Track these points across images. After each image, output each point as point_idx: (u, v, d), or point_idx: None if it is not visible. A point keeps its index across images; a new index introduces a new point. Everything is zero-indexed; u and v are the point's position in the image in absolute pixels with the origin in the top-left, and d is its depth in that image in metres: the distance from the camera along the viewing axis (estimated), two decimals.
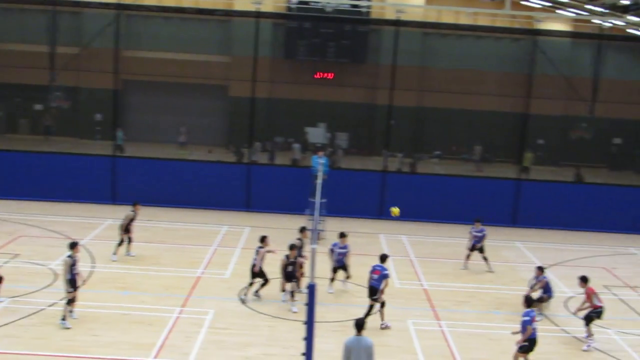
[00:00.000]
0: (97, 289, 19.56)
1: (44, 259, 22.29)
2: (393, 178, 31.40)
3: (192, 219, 28.80)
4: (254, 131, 32.12)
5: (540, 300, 19.80)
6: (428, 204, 30.64)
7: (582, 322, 18.11)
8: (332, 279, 21.04)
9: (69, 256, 17.16)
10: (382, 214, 30.42)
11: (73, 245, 17.40)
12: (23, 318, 17.55)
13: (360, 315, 18.85)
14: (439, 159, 42.89)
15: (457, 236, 28.67)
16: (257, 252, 19.81)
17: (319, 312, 15.85)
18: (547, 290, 19.88)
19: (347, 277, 21.07)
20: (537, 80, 32.52)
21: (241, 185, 30.74)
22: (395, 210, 21.88)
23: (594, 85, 38.80)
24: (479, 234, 23.73)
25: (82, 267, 21.42)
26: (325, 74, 43.76)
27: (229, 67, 43.05)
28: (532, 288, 20.20)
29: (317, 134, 43.80)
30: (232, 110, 43.09)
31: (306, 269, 19.70)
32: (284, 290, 19.68)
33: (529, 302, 16.01)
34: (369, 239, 27.15)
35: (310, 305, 13.80)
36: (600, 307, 17.85)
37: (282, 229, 26.99)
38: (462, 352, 17.05)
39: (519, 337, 15.77)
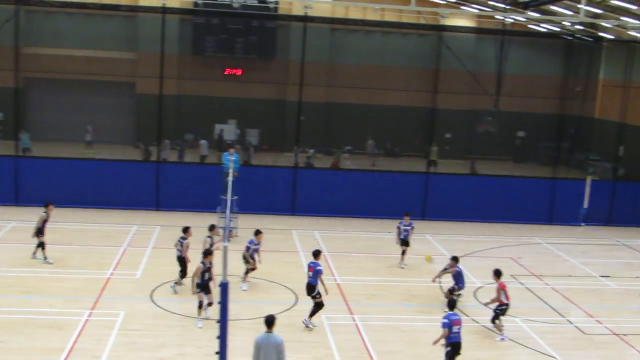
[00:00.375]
0: (1, 293, 18.89)
1: None
2: (304, 174, 31.51)
3: (101, 220, 28.16)
4: (162, 129, 31.63)
5: (452, 291, 20.24)
6: (340, 199, 30.88)
7: (491, 313, 18.61)
8: (248, 272, 21.00)
9: None
10: (294, 211, 30.51)
11: None
12: None
13: (273, 312, 18.90)
14: (350, 154, 43.29)
15: (368, 230, 29.04)
16: (181, 244, 20.03)
17: (232, 310, 15.74)
18: (459, 281, 20.30)
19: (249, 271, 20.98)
20: (444, 75, 33.18)
21: (150, 184, 30.24)
22: (428, 258, 23.28)
23: (498, 80, 39.93)
24: (408, 228, 23.90)
25: None
26: (234, 70, 43.56)
27: (135, 63, 42.29)
28: (440, 274, 20.74)
29: (226, 130, 43.52)
30: (139, 108, 42.35)
31: (218, 267, 19.44)
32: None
33: (451, 305, 15.47)
34: (282, 236, 27.17)
35: (223, 303, 13.71)
36: (507, 304, 18.10)
37: (193, 227, 26.71)
38: (375, 345, 17.27)
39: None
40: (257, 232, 21.10)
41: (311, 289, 18.31)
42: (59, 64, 40.94)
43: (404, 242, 23.99)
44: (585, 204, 32.26)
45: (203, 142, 39.09)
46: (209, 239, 20.29)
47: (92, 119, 41.88)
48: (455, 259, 20.65)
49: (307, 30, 31.07)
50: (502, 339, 18.01)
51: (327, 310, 19.40)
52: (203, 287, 18.00)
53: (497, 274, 18.49)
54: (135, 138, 42.76)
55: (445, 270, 20.62)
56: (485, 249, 27.32)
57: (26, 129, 37.41)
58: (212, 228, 21.15)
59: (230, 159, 25.52)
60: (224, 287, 13.62)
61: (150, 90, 36.77)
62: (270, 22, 42.41)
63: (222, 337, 13.67)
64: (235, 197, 25.13)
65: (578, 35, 35.55)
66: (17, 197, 29.44)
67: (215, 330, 14.02)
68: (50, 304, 18.85)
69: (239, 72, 43.51)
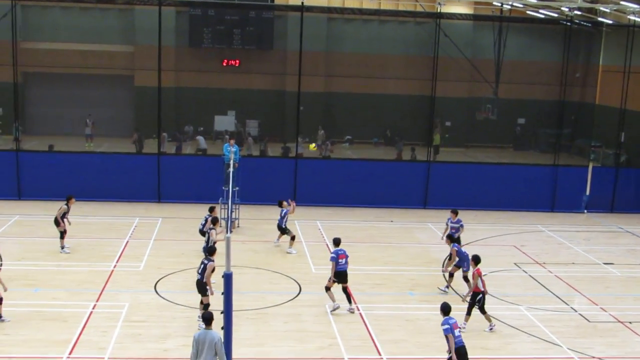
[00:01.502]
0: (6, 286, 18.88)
1: None
2: (305, 164, 31.50)
3: (103, 212, 28.18)
4: (161, 121, 31.59)
5: (451, 274, 20.30)
6: (341, 189, 30.91)
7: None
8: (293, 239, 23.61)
9: None
10: (296, 201, 30.48)
11: None
12: None
13: (277, 302, 18.97)
14: (350, 143, 43.25)
15: (370, 220, 29.06)
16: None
17: (236, 301, 15.79)
18: (462, 261, 19.90)
19: None
20: (442, 63, 33.08)
21: (151, 176, 30.26)
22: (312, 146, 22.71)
23: (497, 67, 39.83)
24: (456, 225, 22.63)
25: None
26: (232, 62, 43.44)
27: (133, 56, 42.18)
28: (447, 265, 20.72)
29: (226, 122, 43.43)
30: (138, 101, 42.28)
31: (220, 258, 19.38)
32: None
33: (445, 310, 14.61)
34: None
35: (227, 294, 13.77)
36: (482, 292, 17.51)
37: (196, 219, 26.75)
38: (379, 334, 17.31)
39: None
40: (281, 203, 24.03)
41: (346, 275, 18.69)
42: (57, 58, 40.83)
43: (453, 240, 21.51)
44: (588, 191, 32.27)
45: (200, 138, 38.90)
46: (213, 231, 20.26)
47: (91, 112, 41.79)
48: (455, 212, 21.77)
49: (304, 20, 31.01)
50: (490, 328, 17.71)
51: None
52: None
53: (475, 260, 17.91)
54: (134, 131, 42.67)
55: (450, 260, 20.56)
56: (487, 237, 27.34)
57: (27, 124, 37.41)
58: (212, 209, 21.29)
59: (231, 150, 25.53)
60: (228, 278, 13.67)
61: (148, 83, 36.66)
62: (267, 13, 42.25)
63: (227, 328, 13.74)
64: (237, 188, 25.17)
65: (577, 21, 35.42)
66: (19, 191, 29.48)
67: (219, 320, 14.06)
68: (54, 296, 18.90)
69: (237, 63, 43.39)
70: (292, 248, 23.83)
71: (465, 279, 19.90)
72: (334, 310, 18.47)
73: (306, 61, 31.85)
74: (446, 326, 14.29)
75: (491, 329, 17.77)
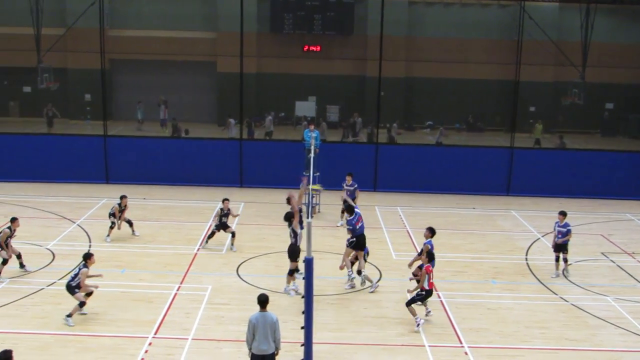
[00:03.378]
0: (95, 267, 19.47)
1: (41, 240, 22.32)
2: (386, 149, 31.37)
3: (186, 196, 28.77)
4: (243, 107, 31.96)
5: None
6: (422, 175, 30.69)
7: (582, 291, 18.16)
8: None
9: (85, 266, 16.88)
10: (376, 187, 30.48)
11: (88, 256, 17.05)
12: (23, 298, 17.62)
13: (357, 287, 18.99)
14: (431, 129, 42.83)
15: (451, 207, 28.77)
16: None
17: (317, 286, 15.89)
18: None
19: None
20: (526, 46, 32.35)
21: (234, 161, 30.69)
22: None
23: (584, 50, 38.64)
24: (563, 230, 21.00)
25: (79, 247, 21.57)
26: (313, 47, 43.52)
27: (215, 43, 42.73)
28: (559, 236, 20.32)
29: (306, 107, 43.59)
30: (221, 87, 42.86)
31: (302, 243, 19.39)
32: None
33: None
34: (365, 212, 26.85)
35: (308, 279, 13.84)
36: (428, 291, 16.72)
37: (277, 204, 27.05)
38: (460, 322, 17.13)
39: None
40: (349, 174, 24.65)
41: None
42: (142, 45, 41.75)
43: (560, 247, 20.60)
44: None
45: (268, 118, 39.11)
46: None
47: (174, 99, 42.61)
48: (563, 214, 20.59)
49: (385, 4, 30.80)
50: (419, 323, 16.62)
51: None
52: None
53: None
54: (217, 116, 43.32)
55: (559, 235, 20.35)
56: (573, 225, 26.51)
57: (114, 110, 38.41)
58: (225, 200, 22.31)
59: (312, 136, 25.59)
60: (309, 262, 13.73)
61: (230, 69, 37.14)
62: None
63: (308, 312, 13.80)
64: (317, 174, 25.26)
65: None
66: (107, 175, 30.37)
67: (300, 305, 14.15)
68: (140, 278, 19.41)
69: (317, 48, 43.46)
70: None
71: (360, 272, 19.20)
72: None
73: (387, 46, 31.65)
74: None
75: (419, 324, 16.65)
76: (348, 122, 40.29)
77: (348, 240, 19.21)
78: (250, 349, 13.11)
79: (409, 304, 16.80)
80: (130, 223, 23.00)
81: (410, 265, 18.75)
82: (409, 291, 17.43)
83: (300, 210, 18.38)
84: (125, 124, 39.77)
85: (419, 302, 16.90)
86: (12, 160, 30.36)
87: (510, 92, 33.15)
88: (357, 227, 19.06)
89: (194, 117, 42.20)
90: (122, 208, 22.70)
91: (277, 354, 13.21)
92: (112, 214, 22.65)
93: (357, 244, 19.05)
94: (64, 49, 39.67)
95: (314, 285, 13.81)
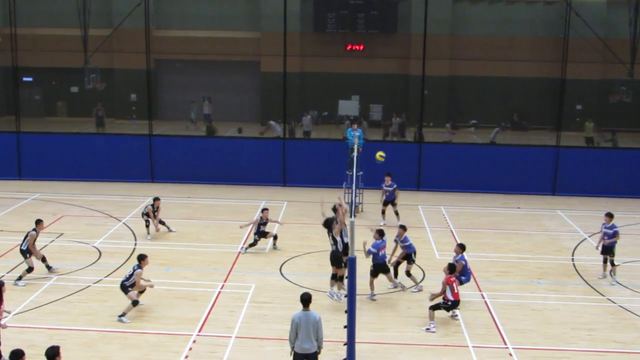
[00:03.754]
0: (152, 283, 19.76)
1: (88, 238, 22.69)
2: (429, 148, 31.20)
3: (230, 195, 28.98)
4: (286, 106, 32.06)
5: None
6: (466, 174, 30.44)
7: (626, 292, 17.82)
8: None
9: (139, 267, 17.12)
10: (419, 186, 30.34)
11: (142, 257, 17.30)
12: (70, 295, 17.93)
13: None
14: (475, 127, 42.46)
15: (496, 206, 28.49)
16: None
17: (360, 285, 15.88)
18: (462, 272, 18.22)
19: None
20: (573, 43, 31.87)
21: (277, 161, 30.80)
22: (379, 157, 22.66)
23: (633, 47, 37.90)
24: (609, 232, 20.29)
25: (125, 245, 21.88)
26: (356, 46, 43.48)
27: (259, 42, 42.95)
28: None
29: (349, 106, 43.54)
30: (264, 86, 43.06)
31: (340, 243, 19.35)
32: None
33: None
34: (408, 211, 26.98)
35: (352, 278, 13.84)
36: (453, 301, 16.57)
37: (319, 203, 27.10)
38: (505, 323, 16.95)
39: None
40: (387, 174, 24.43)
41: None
42: (186, 45, 42.17)
43: (607, 250, 20.14)
44: None
45: (306, 117, 39.10)
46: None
47: (216, 98, 42.93)
48: (610, 216, 20.03)
49: (429, 2, 30.61)
50: (428, 328, 16.48)
51: None
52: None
53: (450, 268, 16.81)
54: (260, 116, 43.52)
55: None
56: (621, 225, 26.07)
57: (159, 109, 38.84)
58: (264, 210, 22.28)
59: (355, 135, 25.55)
60: (352, 262, 13.74)
61: (274, 69, 37.28)
62: None
63: (351, 311, 13.81)
64: (361, 173, 25.23)
65: None
66: (152, 174, 30.73)
67: (343, 304, 14.14)
68: (185, 276, 19.60)
69: (360, 47, 43.41)
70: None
71: (408, 273, 18.99)
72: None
73: (430, 44, 31.45)
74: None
75: (428, 328, 16.52)
76: (389, 122, 40.10)
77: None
78: (292, 348, 13.16)
79: (433, 308, 16.65)
80: (162, 222, 23.26)
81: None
82: (432, 296, 16.93)
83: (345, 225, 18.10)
84: (170, 123, 40.19)
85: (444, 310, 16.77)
86: (60, 159, 30.89)
87: (556, 91, 32.69)
88: (381, 253, 18.31)
89: (237, 116, 42.47)
90: (155, 209, 22.93)
91: (319, 352, 13.23)
92: (145, 214, 22.94)
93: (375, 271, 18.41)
94: (111, 49, 40.30)
95: (357, 285, 13.81)
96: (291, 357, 13.26)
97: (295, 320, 13.09)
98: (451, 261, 17.60)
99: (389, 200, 25.03)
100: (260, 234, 22.04)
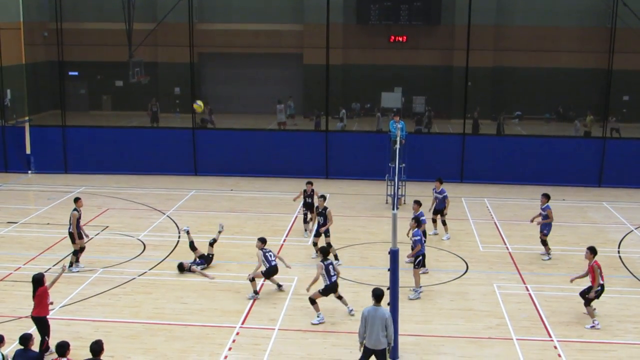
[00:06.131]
0: (183, 258, 19.96)
1: (132, 231, 22.93)
2: (473, 140, 30.92)
3: (272, 188, 29.06)
4: (329, 98, 32.04)
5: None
6: (510, 166, 30.10)
7: None
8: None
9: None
10: (462, 178, 30.09)
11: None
12: (115, 287, 18.14)
13: (443, 280, 18.81)
14: (520, 119, 42.00)
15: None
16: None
17: (403, 277, 15.82)
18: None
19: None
20: (620, 34, 31.28)
21: (319, 153, 30.80)
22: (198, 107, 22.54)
23: None
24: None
25: (169, 238, 22.12)
26: (399, 38, 43.29)
27: (302, 35, 43.00)
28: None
29: (392, 98, 43.40)
30: (307, 78, 43.12)
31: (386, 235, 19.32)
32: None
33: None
34: (452, 204, 26.60)
35: (394, 270, 13.81)
36: (601, 285, 16.29)
37: (362, 195, 27.09)
38: (550, 316, 16.75)
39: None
40: (438, 179, 22.46)
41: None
42: (229, 38, 42.43)
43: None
44: None
45: (342, 111, 39.02)
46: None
47: (262, 91, 43.10)
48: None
49: None
50: (593, 326, 16.16)
51: (499, 279, 19.07)
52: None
53: (592, 251, 16.49)
54: (303, 108, 43.60)
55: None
56: None
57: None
58: (322, 196, 21.09)
59: (397, 127, 25.44)
60: (394, 254, 13.71)
61: (317, 61, 37.24)
62: None
63: (393, 304, 13.80)
64: (403, 165, 25.11)
65: None
66: (195, 167, 30.95)
67: (386, 296, 14.08)
68: (227, 268, 19.72)
69: (403, 39, 43.22)
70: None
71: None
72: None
73: (474, 35, 31.13)
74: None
75: (593, 326, 16.16)
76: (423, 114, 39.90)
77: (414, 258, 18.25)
78: (361, 342, 13.16)
79: (587, 304, 16.33)
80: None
81: (572, 281, 17.37)
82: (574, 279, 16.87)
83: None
84: (215, 116, 40.37)
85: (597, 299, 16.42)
86: (105, 152, 31.26)
87: (603, 81, 32.14)
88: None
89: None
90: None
91: (389, 350, 13.19)
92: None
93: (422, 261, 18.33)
94: (154, 43, 40.71)
95: (399, 277, 13.77)
96: (360, 351, 13.26)
97: (365, 314, 13.08)
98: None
99: (439, 210, 22.66)
100: (308, 206, 22.25)
